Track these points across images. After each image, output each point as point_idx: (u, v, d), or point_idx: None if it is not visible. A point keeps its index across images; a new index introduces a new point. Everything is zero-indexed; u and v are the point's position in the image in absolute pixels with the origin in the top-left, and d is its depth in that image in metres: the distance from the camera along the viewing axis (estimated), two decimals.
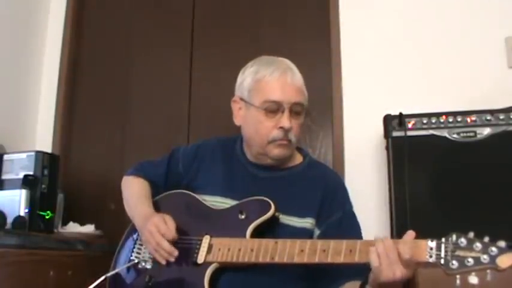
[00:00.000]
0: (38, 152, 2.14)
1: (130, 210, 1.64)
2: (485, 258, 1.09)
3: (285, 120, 1.52)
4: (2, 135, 2.34)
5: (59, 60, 2.76)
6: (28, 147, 2.38)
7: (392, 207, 1.89)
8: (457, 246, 1.13)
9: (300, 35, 2.56)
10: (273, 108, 1.53)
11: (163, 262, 1.46)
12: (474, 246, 1.11)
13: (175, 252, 1.44)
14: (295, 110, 1.54)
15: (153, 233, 1.45)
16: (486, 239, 1.12)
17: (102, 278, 1.47)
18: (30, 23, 2.70)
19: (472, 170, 1.85)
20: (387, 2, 2.45)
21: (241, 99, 1.61)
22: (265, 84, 1.55)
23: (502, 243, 1.10)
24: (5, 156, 2.18)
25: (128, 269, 1.55)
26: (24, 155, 2.14)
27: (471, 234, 1.14)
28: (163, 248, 1.44)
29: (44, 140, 2.65)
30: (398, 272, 1.15)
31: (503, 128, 1.87)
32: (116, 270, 1.55)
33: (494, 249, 1.10)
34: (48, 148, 2.58)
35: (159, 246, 1.44)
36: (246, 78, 1.60)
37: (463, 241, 1.13)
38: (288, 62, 1.61)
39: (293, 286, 1.48)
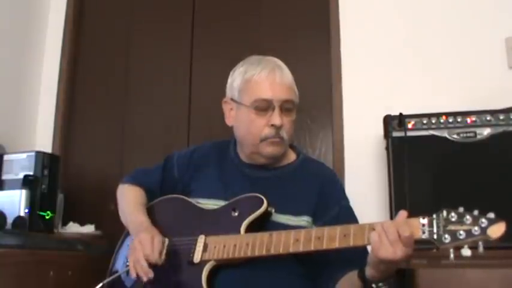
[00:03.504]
0: (38, 152, 2.15)
1: (125, 218, 1.64)
2: (476, 230, 1.12)
3: (276, 118, 1.52)
4: (2, 135, 2.34)
5: (59, 60, 2.76)
6: (28, 147, 2.39)
7: (392, 207, 1.89)
8: (448, 221, 1.16)
9: (300, 35, 2.56)
10: (263, 107, 1.53)
11: (134, 276, 1.43)
12: (465, 219, 1.14)
13: (151, 275, 1.41)
14: (285, 108, 1.55)
15: (136, 249, 1.44)
16: (476, 212, 1.14)
17: (100, 285, 1.47)
18: (30, 22, 2.70)
19: (472, 170, 1.85)
20: (387, 2, 2.45)
21: (232, 99, 1.62)
22: (254, 84, 1.55)
23: (491, 215, 1.13)
24: (5, 157, 2.18)
25: (125, 274, 1.55)
26: (24, 155, 2.14)
27: (461, 209, 1.16)
28: (140, 266, 1.42)
29: (44, 140, 2.65)
30: (399, 251, 1.16)
31: (503, 128, 1.87)
32: (113, 277, 1.55)
33: (484, 220, 1.12)
34: (48, 148, 2.58)
35: (137, 263, 1.43)
36: (236, 78, 1.61)
37: (453, 215, 1.16)
38: (276, 60, 1.61)
39: (291, 282, 1.47)
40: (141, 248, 1.43)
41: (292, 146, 1.70)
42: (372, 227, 1.23)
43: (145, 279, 1.41)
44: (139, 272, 1.42)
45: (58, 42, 2.78)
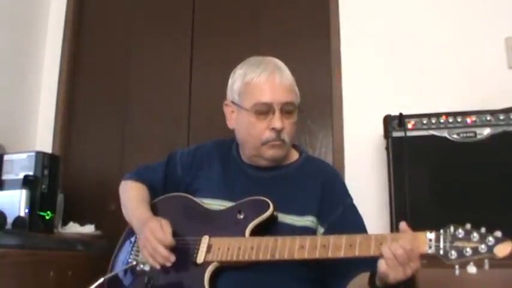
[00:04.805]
0: (38, 152, 2.14)
1: (128, 214, 1.63)
2: (482, 248, 1.13)
3: (277, 121, 1.51)
4: (2, 135, 2.34)
5: (59, 60, 2.76)
6: (28, 147, 2.39)
7: (392, 207, 1.89)
8: (455, 237, 1.16)
9: (300, 35, 2.56)
10: (264, 110, 1.52)
11: (158, 267, 1.44)
12: (471, 236, 1.15)
13: (172, 258, 1.42)
14: (286, 110, 1.54)
15: (149, 238, 1.43)
16: (483, 230, 1.15)
17: (101, 280, 1.46)
18: (30, 22, 2.70)
19: (472, 170, 1.85)
20: (387, 2, 2.45)
21: (233, 102, 1.61)
22: (254, 87, 1.54)
23: (498, 233, 1.13)
24: (5, 157, 2.18)
25: (126, 271, 1.54)
26: (24, 155, 2.14)
27: (468, 226, 1.17)
28: (159, 253, 1.42)
29: (44, 140, 2.65)
30: (408, 270, 1.18)
31: (503, 128, 1.87)
32: (114, 273, 1.54)
33: (491, 239, 1.13)
34: (48, 148, 2.58)
35: (155, 251, 1.42)
36: (236, 81, 1.60)
37: (460, 232, 1.16)
38: (276, 62, 1.59)
39: (294, 286, 1.47)
40: (152, 235, 1.43)
41: (294, 145, 1.69)
42: (378, 241, 1.23)
43: (168, 264, 1.42)
44: (160, 260, 1.42)
45: (58, 42, 2.78)
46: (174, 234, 1.47)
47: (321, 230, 1.52)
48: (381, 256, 1.21)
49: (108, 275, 1.52)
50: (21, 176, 2.08)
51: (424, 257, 1.20)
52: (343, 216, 1.52)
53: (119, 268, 1.57)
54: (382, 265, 1.19)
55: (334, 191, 1.58)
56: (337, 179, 1.65)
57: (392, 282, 1.19)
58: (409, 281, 1.24)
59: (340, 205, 1.55)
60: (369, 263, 1.29)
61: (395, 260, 1.18)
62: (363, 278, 1.35)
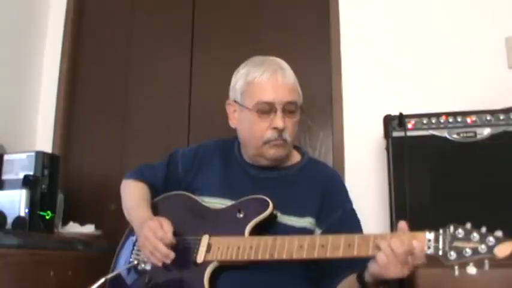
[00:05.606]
0: (38, 152, 2.14)
1: (129, 213, 1.64)
2: (482, 248, 1.11)
3: (278, 121, 1.51)
4: (2, 135, 2.34)
5: (59, 60, 2.76)
6: (28, 147, 2.39)
7: (392, 207, 1.89)
8: (454, 237, 1.14)
9: (300, 35, 2.56)
10: (266, 109, 1.53)
11: (160, 264, 1.44)
12: (471, 236, 1.13)
13: (172, 254, 1.42)
14: (288, 109, 1.54)
15: (149, 237, 1.43)
16: (483, 230, 1.13)
17: (102, 280, 1.46)
18: (30, 22, 2.70)
19: (472, 170, 1.85)
20: (387, 2, 2.45)
21: (235, 101, 1.61)
22: (256, 86, 1.54)
23: (498, 233, 1.11)
24: (5, 156, 2.18)
25: (128, 270, 1.55)
26: (24, 155, 2.14)
27: (468, 225, 1.15)
28: (159, 251, 1.42)
29: (44, 140, 2.65)
30: (406, 269, 1.18)
31: (503, 128, 1.87)
32: (115, 272, 1.54)
33: (491, 239, 1.11)
34: (48, 148, 2.58)
35: (155, 249, 1.43)
36: (238, 80, 1.60)
37: (460, 232, 1.14)
38: (279, 61, 1.60)
39: (294, 285, 1.48)
40: (152, 234, 1.43)
41: (296, 147, 1.69)
42: (377, 241, 1.23)
43: (168, 261, 1.42)
44: (160, 257, 1.42)
45: (58, 42, 2.78)
46: (174, 233, 1.47)
47: (318, 231, 1.52)
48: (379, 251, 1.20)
49: (110, 275, 1.52)
50: (21, 176, 2.07)
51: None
52: (342, 220, 1.53)
53: (120, 267, 1.57)
54: (381, 258, 1.19)
55: (335, 195, 1.59)
56: (338, 183, 1.66)
57: (387, 279, 1.19)
58: (406, 280, 1.25)
59: (339, 208, 1.55)
60: (362, 263, 1.29)
61: (395, 257, 1.17)
62: (351, 279, 1.36)
